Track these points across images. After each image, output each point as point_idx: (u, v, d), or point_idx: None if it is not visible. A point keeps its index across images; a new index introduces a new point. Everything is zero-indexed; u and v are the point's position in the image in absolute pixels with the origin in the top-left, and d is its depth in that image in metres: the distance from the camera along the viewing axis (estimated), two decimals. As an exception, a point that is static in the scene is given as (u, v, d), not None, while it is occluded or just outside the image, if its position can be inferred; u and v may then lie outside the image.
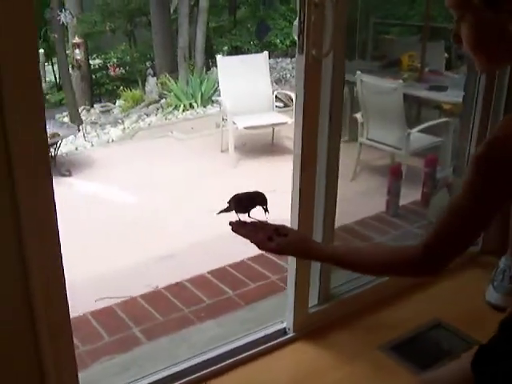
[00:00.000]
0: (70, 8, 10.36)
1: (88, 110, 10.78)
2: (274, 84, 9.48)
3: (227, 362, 2.54)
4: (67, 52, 10.73)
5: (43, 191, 1.77)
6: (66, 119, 9.94)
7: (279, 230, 1.59)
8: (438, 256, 1.38)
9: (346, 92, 6.55)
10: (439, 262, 1.39)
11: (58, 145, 7.08)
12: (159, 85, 10.73)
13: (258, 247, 1.58)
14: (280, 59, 12.73)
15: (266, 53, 7.68)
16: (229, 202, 1.69)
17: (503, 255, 3.00)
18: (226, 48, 12.97)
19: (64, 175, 6.78)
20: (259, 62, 7.54)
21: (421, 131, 5.41)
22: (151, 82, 10.88)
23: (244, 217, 1.65)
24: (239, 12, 13.83)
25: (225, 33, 13.13)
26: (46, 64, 12.18)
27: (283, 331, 2.73)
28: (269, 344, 2.66)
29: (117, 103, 10.96)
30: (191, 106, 10.01)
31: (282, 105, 8.60)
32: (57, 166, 6.87)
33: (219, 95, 7.75)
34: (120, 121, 9.87)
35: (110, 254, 4.57)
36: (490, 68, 1.39)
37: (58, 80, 12.11)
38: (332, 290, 2.85)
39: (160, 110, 10.18)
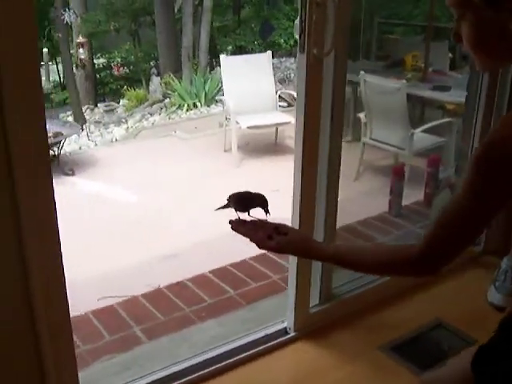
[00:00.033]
0: (74, 7, 10.37)
1: (92, 110, 10.79)
2: (278, 84, 9.47)
3: (228, 361, 2.54)
4: (71, 51, 10.75)
5: (43, 191, 1.77)
6: (70, 118, 9.95)
7: (279, 229, 1.58)
8: (437, 255, 1.37)
9: (350, 92, 6.57)
10: (439, 261, 1.38)
11: (62, 144, 7.08)
12: (163, 84, 10.74)
13: (258, 246, 1.57)
14: (284, 59, 12.71)
15: (269, 52, 7.68)
16: (228, 200, 1.69)
17: (505, 255, 2.98)
18: (230, 48, 12.97)
19: (67, 174, 6.78)
20: (263, 61, 7.53)
21: (424, 131, 5.40)
22: (155, 81, 10.89)
23: (244, 215, 1.64)
24: (243, 12, 13.83)
25: (229, 32, 13.13)
26: (50, 63, 12.20)
27: (284, 331, 2.73)
28: (269, 344, 2.66)
29: (121, 102, 10.98)
30: (195, 105, 10.02)
31: (285, 104, 8.60)
32: (60, 165, 6.88)
33: (223, 95, 7.74)
34: (124, 120, 9.88)
35: (113, 253, 4.57)
36: (490, 67, 1.38)
37: (62, 79, 12.13)
38: (333, 289, 2.84)
39: (164, 110, 10.19)
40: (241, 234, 1.58)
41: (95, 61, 12.42)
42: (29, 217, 1.75)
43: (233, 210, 1.66)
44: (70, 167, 6.92)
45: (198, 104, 10.01)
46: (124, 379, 2.43)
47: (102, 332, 2.86)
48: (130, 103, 10.70)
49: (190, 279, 3.30)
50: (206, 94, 10.08)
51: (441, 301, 2.99)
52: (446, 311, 2.89)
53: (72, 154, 7.75)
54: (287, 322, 2.72)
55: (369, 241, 3.75)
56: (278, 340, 2.68)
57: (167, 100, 10.44)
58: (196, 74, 10.55)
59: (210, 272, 3.38)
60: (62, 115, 10.34)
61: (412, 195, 4.56)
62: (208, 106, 10.00)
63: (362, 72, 5.50)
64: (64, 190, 6.31)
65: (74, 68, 10.79)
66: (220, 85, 9.26)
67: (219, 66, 8.47)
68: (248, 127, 6.93)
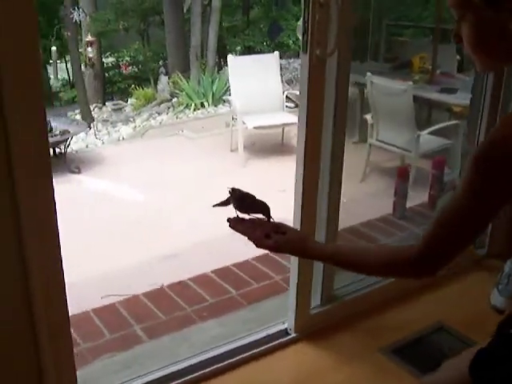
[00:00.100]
0: (84, 6, 10.41)
1: (100, 108, 10.83)
2: (286, 84, 9.47)
3: (228, 361, 2.54)
4: (80, 50, 10.78)
5: (43, 191, 1.77)
6: (78, 117, 9.98)
7: (277, 228, 1.58)
8: (436, 256, 1.37)
9: (357, 93, 6.56)
10: (438, 261, 1.38)
11: (68, 142, 7.11)
12: (171, 84, 10.75)
13: (255, 244, 1.56)
14: (292, 60, 12.68)
15: (276, 53, 7.68)
16: (230, 192, 1.66)
17: (509, 259, 2.97)
18: (238, 48, 12.97)
19: (73, 172, 6.80)
20: (270, 61, 7.53)
21: (431, 133, 5.38)
22: (163, 80, 10.90)
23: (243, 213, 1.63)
24: (252, 12, 13.84)
25: (238, 33, 13.14)
26: (59, 62, 12.23)
27: (285, 332, 2.72)
28: (270, 344, 2.65)
29: (129, 101, 11.00)
30: (202, 105, 10.03)
31: (292, 105, 8.58)
32: (66, 162, 6.90)
33: (230, 95, 7.75)
34: (131, 119, 9.90)
35: (119, 252, 4.57)
36: (490, 68, 1.37)
37: (71, 78, 12.16)
38: (334, 291, 2.84)
39: (171, 109, 10.20)
40: (239, 232, 1.57)
41: (104, 60, 12.46)
42: (29, 217, 1.75)
43: (232, 208, 1.64)
44: (76, 165, 6.94)
45: (206, 104, 10.02)
46: (124, 378, 2.43)
47: (102, 330, 2.85)
48: (138, 102, 10.72)
49: (191, 279, 3.30)
50: (213, 93, 10.09)
51: (443, 304, 2.97)
52: (449, 314, 2.88)
53: (79, 152, 7.77)
54: (288, 322, 2.72)
55: (371, 242, 3.74)
56: (279, 341, 2.67)
57: (175, 99, 10.46)
58: (204, 74, 10.56)
59: (212, 272, 3.37)
60: (70, 113, 10.38)
61: (418, 197, 4.55)
62: (215, 106, 10.00)
63: (368, 73, 5.49)
64: (70, 187, 6.34)
65: (82, 67, 10.83)
66: (228, 85, 9.27)
67: (227, 65, 8.48)
68: (254, 127, 6.93)
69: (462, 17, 1.30)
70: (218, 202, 1.68)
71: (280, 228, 1.58)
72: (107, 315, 2.99)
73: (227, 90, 9.61)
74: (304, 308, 2.69)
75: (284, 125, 7.15)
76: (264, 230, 1.57)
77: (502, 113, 2.92)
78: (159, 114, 10.05)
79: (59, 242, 1.85)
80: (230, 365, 2.53)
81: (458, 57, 6.96)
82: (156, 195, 6.03)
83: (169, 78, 10.89)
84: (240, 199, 1.63)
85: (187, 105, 10.07)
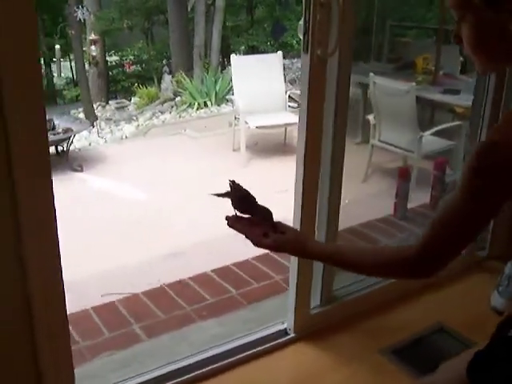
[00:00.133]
0: (88, 5, 10.41)
1: (103, 107, 10.83)
2: (289, 84, 9.47)
3: (227, 361, 2.54)
4: (84, 48, 10.79)
5: (43, 191, 1.76)
6: (82, 115, 9.99)
7: (276, 227, 1.57)
8: (433, 257, 1.36)
9: (360, 94, 6.56)
10: (436, 263, 1.37)
11: (71, 140, 7.11)
12: (174, 83, 10.75)
13: (253, 243, 1.56)
14: (295, 60, 12.69)
15: (279, 53, 7.68)
16: (230, 186, 1.64)
17: (510, 261, 2.97)
18: (242, 48, 12.97)
19: (76, 170, 6.81)
20: (273, 61, 7.53)
21: (433, 134, 5.37)
22: (167, 79, 10.91)
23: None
24: (256, 12, 13.85)
25: (242, 32, 13.15)
26: (62, 60, 12.24)
27: (284, 332, 2.71)
28: (269, 344, 2.65)
29: (132, 100, 11.00)
30: (205, 104, 10.03)
31: (295, 105, 8.55)
32: (69, 160, 6.92)
33: (233, 94, 7.75)
34: (134, 118, 9.91)
35: (120, 251, 4.58)
36: (490, 69, 1.37)
37: (74, 76, 12.17)
38: (334, 291, 2.83)
39: (174, 108, 10.20)
40: (237, 230, 1.56)
41: (108, 58, 12.48)
42: (28, 216, 1.75)
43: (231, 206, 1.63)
44: (78, 163, 6.95)
45: (209, 103, 10.02)
46: (122, 376, 2.43)
47: (101, 329, 2.85)
48: (142, 101, 10.73)
49: (191, 278, 3.29)
50: (216, 93, 10.09)
51: (444, 305, 2.97)
52: (449, 315, 2.87)
53: (81, 150, 7.78)
54: (287, 322, 2.71)
55: (371, 243, 3.73)
56: (278, 341, 2.67)
57: (178, 98, 10.46)
58: (207, 73, 10.56)
59: (212, 271, 3.37)
60: (73, 111, 10.39)
61: (420, 198, 4.55)
62: (218, 106, 10.00)
63: (371, 74, 5.48)
64: (72, 186, 6.35)
65: (86, 65, 10.83)
66: (231, 84, 9.27)
67: (231, 65, 8.48)
68: (257, 127, 6.93)
69: (462, 17, 1.30)
70: (217, 193, 1.65)
71: (279, 227, 1.58)
72: (106, 313, 2.99)
73: (230, 90, 9.61)
74: (303, 308, 2.69)
75: (286, 125, 7.15)
76: (262, 228, 1.56)
77: (504, 112, 2.91)
78: (162, 112, 10.05)
79: (58, 242, 1.85)
80: (229, 364, 2.53)
81: (461, 58, 6.95)
82: (158, 194, 6.04)
83: (172, 77, 10.89)
84: (240, 199, 1.62)
85: (190, 104, 10.07)
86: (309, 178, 2.44)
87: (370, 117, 5.64)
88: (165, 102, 10.48)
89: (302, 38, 2.22)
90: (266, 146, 7.32)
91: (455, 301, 2.98)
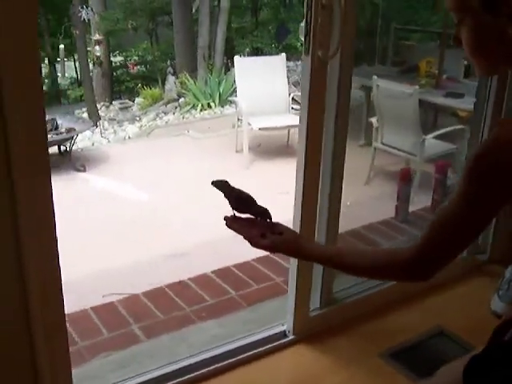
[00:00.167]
0: (93, 5, 10.45)
1: (107, 107, 10.85)
2: (292, 86, 9.46)
3: (226, 362, 2.53)
4: (89, 49, 10.81)
5: (42, 191, 1.76)
6: (85, 115, 10.00)
7: (274, 228, 1.57)
8: (431, 260, 1.36)
9: (363, 96, 6.56)
10: (432, 265, 1.37)
11: (74, 139, 7.12)
12: (178, 84, 10.76)
13: (251, 243, 1.56)
14: (299, 62, 12.68)
15: (283, 54, 7.69)
16: (226, 189, 1.65)
17: (510, 264, 2.96)
18: (247, 49, 12.98)
19: (78, 170, 6.82)
20: (277, 63, 7.54)
21: (436, 138, 5.37)
22: (171, 80, 10.92)
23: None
24: (261, 14, 13.86)
25: (246, 34, 13.16)
26: (66, 60, 12.25)
27: (283, 334, 2.71)
28: (268, 346, 2.64)
29: (136, 101, 11.02)
30: (209, 105, 10.04)
31: (298, 107, 8.53)
32: (72, 160, 6.93)
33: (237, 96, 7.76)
34: (138, 118, 9.92)
35: (120, 251, 4.59)
36: (489, 72, 1.37)
37: (79, 76, 12.20)
38: (334, 294, 2.82)
39: (178, 109, 10.21)
40: (234, 230, 1.57)
41: (112, 59, 12.50)
42: (26, 216, 1.74)
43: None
44: (81, 163, 6.96)
45: (212, 104, 10.03)
46: (121, 377, 2.42)
47: (100, 329, 2.85)
48: (145, 101, 10.75)
49: (191, 279, 3.29)
50: (220, 94, 10.10)
51: (444, 308, 2.96)
52: (449, 319, 2.86)
53: (84, 150, 7.79)
54: (287, 324, 2.70)
55: (372, 246, 3.72)
56: (277, 343, 2.66)
57: (182, 99, 10.47)
58: (211, 75, 10.56)
59: (212, 272, 3.36)
60: (77, 111, 10.42)
61: (423, 201, 4.55)
62: (222, 107, 10.01)
63: (374, 76, 5.48)
64: (74, 185, 6.36)
65: (90, 65, 10.85)
66: (235, 86, 9.28)
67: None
68: (260, 128, 6.93)
69: (461, 20, 1.31)
70: (218, 182, 1.64)
71: (277, 228, 1.58)
72: (106, 314, 2.98)
73: (234, 91, 9.61)
74: (303, 310, 2.68)
75: (289, 127, 7.14)
76: (260, 229, 1.57)
77: (506, 117, 2.90)
78: (166, 113, 10.06)
79: (57, 242, 1.84)
80: (228, 365, 2.52)
81: (465, 62, 6.95)
82: (160, 195, 6.05)
83: (176, 78, 10.89)
84: (238, 199, 1.62)
85: (194, 105, 10.08)
86: (309, 181, 2.44)
87: (373, 119, 5.65)
88: (168, 102, 10.49)
89: (303, 39, 2.22)
90: (269, 148, 7.32)
91: (455, 304, 2.97)
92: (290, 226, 2.41)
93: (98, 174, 6.89)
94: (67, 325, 2.69)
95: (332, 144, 2.47)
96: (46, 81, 13.13)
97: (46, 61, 12.81)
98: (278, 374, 2.59)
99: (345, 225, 3.65)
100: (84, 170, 6.86)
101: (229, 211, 1.62)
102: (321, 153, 2.44)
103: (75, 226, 5.09)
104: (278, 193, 4.87)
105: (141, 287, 3.28)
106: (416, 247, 1.35)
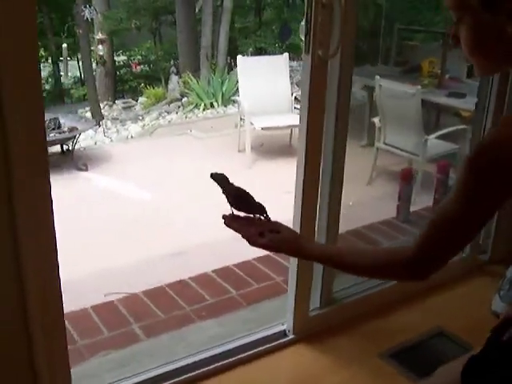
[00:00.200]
0: (96, 5, 10.46)
1: (110, 106, 10.86)
2: (295, 86, 9.45)
3: (225, 361, 2.53)
4: (92, 48, 10.82)
5: (41, 191, 1.76)
6: (89, 114, 10.01)
7: (272, 227, 1.57)
8: (429, 258, 1.36)
9: (366, 96, 6.55)
10: (431, 264, 1.36)
11: (76, 139, 7.12)
12: (181, 83, 10.76)
13: (249, 242, 1.55)
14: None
15: (286, 54, 7.68)
16: (226, 186, 1.63)
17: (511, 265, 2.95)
18: (250, 49, 12.98)
19: (81, 169, 6.82)
20: (279, 63, 7.54)
21: (438, 138, 5.36)
22: (174, 80, 10.92)
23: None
24: (265, 14, 13.85)
25: (250, 34, 13.16)
26: (69, 59, 12.26)
27: (283, 333, 2.71)
28: (268, 345, 2.64)
29: (139, 100, 11.02)
30: (212, 105, 10.03)
31: (301, 107, 8.56)
32: (74, 159, 6.93)
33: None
34: (141, 117, 9.92)
35: (122, 250, 4.59)
36: (488, 71, 1.36)
37: (82, 75, 12.21)
38: (334, 293, 2.82)
39: (181, 108, 10.21)
40: (233, 229, 1.56)
41: (116, 58, 12.50)
42: (25, 216, 1.74)
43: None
44: (83, 162, 6.96)
45: (215, 104, 10.03)
46: (120, 376, 2.42)
47: (100, 328, 2.85)
48: (149, 101, 10.75)
49: (192, 278, 3.29)
50: (223, 94, 10.09)
51: (444, 309, 2.96)
52: (449, 319, 2.86)
53: (87, 150, 7.80)
54: (286, 324, 2.70)
55: (372, 245, 3.72)
56: (277, 342, 2.66)
57: (185, 99, 10.47)
58: (214, 74, 10.56)
59: (212, 271, 3.36)
60: (80, 110, 10.43)
61: (425, 201, 4.54)
62: (225, 106, 10.01)
63: (377, 76, 5.47)
64: (76, 185, 6.37)
65: (94, 64, 10.86)
66: (237, 85, 9.27)
67: (237, 66, 8.49)
68: (262, 128, 6.93)
69: (460, 19, 1.30)
70: (217, 175, 1.64)
71: (275, 227, 1.58)
72: (106, 313, 2.98)
73: (237, 91, 9.60)
74: (303, 310, 2.68)
75: (292, 126, 7.12)
76: (258, 228, 1.56)
77: (508, 114, 2.89)
78: (169, 113, 10.06)
79: (56, 242, 1.84)
80: (227, 365, 2.53)
81: (467, 62, 6.94)
82: (162, 194, 6.05)
83: (180, 78, 10.90)
84: (237, 197, 1.62)
85: (197, 104, 10.08)
86: (309, 180, 2.43)
87: (376, 119, 5.64)
88: (171, 102, 10.49)
89: (303, 38, 2.22)
90: (272, 148, 7.32)
91: (456, 304, 2.97)
92: (290, 225, 2.41)
93: (101, 173, 6.89)
94: (67, 324, 2.70)
95: (332, 143, 2.47)
96: (50, 80, 13.16)
97: (50, 60, 12.83)
98: (278, 373, 2.59)
99: (347, 225, 3.65)
100: (86, 169, 6.86)
101: (230, 210, 1.62)
102: (321, 152, 2.44)
103: (77, 225, 5.09)
104: (282, 192, 4.87)
105: (143, 286, 3.28)
106: (415, 245, 1.35)
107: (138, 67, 12.90)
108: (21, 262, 1.78)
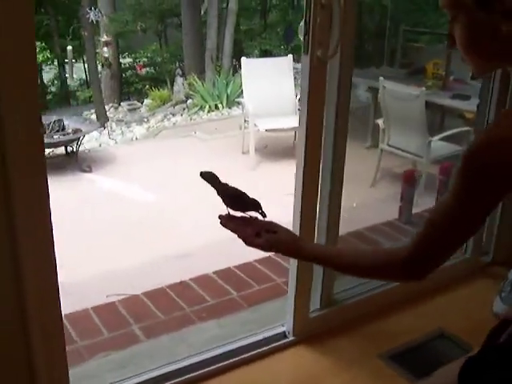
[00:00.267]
0: (102, 7, 10.48)
1: (116, 108, 10.88)
2: (300, 88, 9.46)
3: (225, 362, 2.52)
4: (98, 50, 10.84)
5: (38, 191, 1.76)
6: (94, 116, 10.03)
7: (269, 227, 1.57)
8: (425, 258, 1.35)
9: (370, 98, 6.55)
10: (427, 264, 1.36)
11: (80, 140, 7.14)
12: (186, 85, 10.77)
13: (245, 242, 1.55)
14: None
15: (290, 56, 7.68)
16: (217, 184, 1.63)
17: (513, 266, 2.95)
18: (256, 51, 12.99)
19: (84, 171, 6.83)
20: (283, 65, 7.54)
21: (442, 139, 5.35)
22: (179, 82, 10.95)
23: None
24: (270, 16, 13.86)
25: (255, 36, 13.17)
26: (74, 61, 12.29)
27: (283, 334, 2.70)
28: (268, 347, 2.63)
29: (144, 102, 11.04)
30: (216, 107, 10.04)
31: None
32: (78, 161, 6.94)
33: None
34: (145, 119, 9.93)
35: (124, 252, 4.59)
36: (483, 69, 1.35)
37: (88, 77, 12.24)
38: (334, 295, 2.81)
39: (186, 110, 10.22)
40: (229, 229, 1.56)
41: (122, 60, 12.53)
42: (23, 216, 1.74)
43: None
44: (87, 164, 6.97)
45: (220, 106, 10.03)
46: (120, 376, 2.42)
47: (101, 329, 2.84)
48: (154, 103, 10.77)
49: (192, 279, 3.28)
50: (227, 96, 10.10)
51: (445, 310, 2.94)
52: (450, 321, 2.85)
53: (91, 151, 7.81)
54: (286, 325, 2.69)
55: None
56: (276, 344, 2.65)
57: (190, 101, 10.48)
58: (219, 76, 10.57)
59: (213, 273, 3.35)
60: (86, 113, 10.47)
61: (428, 203, 4.52)
62: (229, 108, 10.01)
63: (381, 78, 5.47)
64: (80, 186, 6.38)
65: (99, 66, 10.88)
66: (242, 87, 9.28)
67: (241, 68, 8.49)
68: (266, 130, 6.93)
69: (454, 18, 1.29)
70: (206, 174, 1.64)
71: (271, 227, 1.57)
72: (106, 314, 2.98)
73: (242, 93, 9.60)
74: (303, 311, 2.67)
75: (296, 128, 7.06)
76: (255, 228, 1.56)
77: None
78: (174, 115, 10.08)
79: (53, 242, 1.84)
80: (227, 366, 2.52)
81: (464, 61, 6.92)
82: (166, 196, 6.05)
83: (185, 80, 10.91)
84: (231, 197, 1.62)
85: (201, 106, 10.09)
86: (309, 182, 2.42)
87: (380, 121, 5.63)
88: (177, 104, 10.51)
89: (302, 39, 2.21)
90: (276, 150, 7.31)
91: (457, 306, 2.96)
92: (291, 226, 2.41)
93: (105, 174, 6.89)
94: (67, 324, 2.71)
95: (332, 145, 2.46)
96: (56, 82, 13.21)
97: (56, 62, 12.87)
98: (278, 374, 2.58)
99: (350, 226, 3.64)
100: (90, 171, 6.87)
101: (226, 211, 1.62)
102: (320, 155, 2.43)
103: (81, 227, 5.11)
104: (285, 194, 4.87)
105: (147, 289, 3.27)
106: (412, 245, 1.34)
107: (143, 69, 12.92)
108: (19, 262, 1.78)
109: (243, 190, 1.63)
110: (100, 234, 5.00)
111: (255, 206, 1.60)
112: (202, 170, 1.63)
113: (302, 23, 2.21)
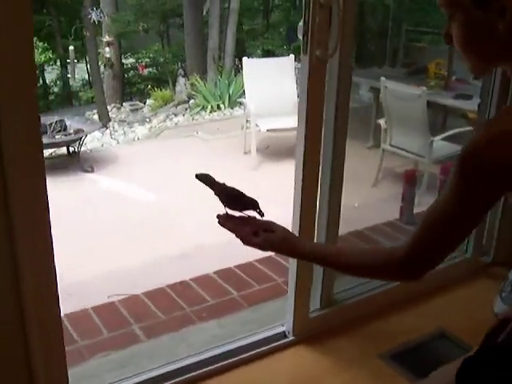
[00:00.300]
0: (104, 7, 10.48)
1: (118, 108, 10.88)
2: (302, 88, 9.46)
3: (225, 362, 2.53)
4: (100, 50, 10.85)
5: (36, 191, 1.76)
6: (96, 117, 10.04)
7: (267, 226, 1.57)
8: (421, 259, 1.35)
9: (372, 98, 6.54)
10: (422, 265, 1.36)
11: (82, 141, 7.14)
12: (189, 85, 10.77)
13: (243, 242, 1.55)
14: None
15: (292, 56, 7.67)
16: (215, 188, 1.64)
17: (514, 267, 2.95)
18: (258, 51, 12.99)
19: (86, 171, 6.84)
20: (285, 65, 7.53)
21: (444, 139, 5.34)
22: (181, 82, 10.94)
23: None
24: (272, 16, 13.86)
25: (257, 36, 13.16)
26: (77, 62, 12.29)
27: (283, 334, 2.70)
28: (267, 347, 2.63)
29: (147, 102, 11.04)
30: (218, 107, 10.03)
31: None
32: (80, 161, 6.94)
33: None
34: (148, 119, 9.93)
35: (125, 251, 4.59)
36: (480, 68, 1.35)
37: (90, 78, 12.25)
38: (335, 294, 2.81)
39: (188, 111, 10.22)
40: (227, 228, 1.57)
41: (124, 60, 12.53)
42: (21, 216, 1.75)
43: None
44: (89, 164, 6.97)
45: (222, 106, 10.03)
46: (120, 376, 2.42)
47: (101, 328, 2.84)
48: (156, 103, 10.76)
49: (193, 279, 3.28)
50: (229, 96, 10.09)
51: (446, 310, 2.94)
52: (451, 321, 2.84)
53: (93, 151, 7.81)
54: (286, 325, 2.69)
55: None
56: (276, 343, 2.65)
57: (192, 101, 10.47)
58: (221, 76, 10.57)
59: (214, 273, 3.35)
60: (88, 113, 10.47)
61: (429, 203, 4.50)
62: (231, 108, 10.01)
63: (382, 78, 5.46)
64: (82, 186, 6.38)
65: (102, 67, 10.88)
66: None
67: (243, 68, 8.49)
68: (268, 130, 6.93)
69: (451, 16, 1.29)
70: (202, 175, 1.65)
71: (269, 226, 1.57)
72: (107, 314, 2.98)
73: (244, 93, 9.61)
74: (303, 311, 2.67)
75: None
76: (253, 227, 1.56)
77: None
78: (176, 115, 10.07)
79: (52, 242, 1.84)
80: (227, 365, 2.52)
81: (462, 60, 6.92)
82: (168, 196, 6.05)
83: (187, 80, 10.91)
84: (229, 197, 1.62)
85: (203, 107, 10.08)
86: (308, 183, 2.42)
87: (381, 121, 5.62)
88: (179, 104, 10.50)
89: (301, 39, 2.21)
90: (277, 150, 7.30)
91: (458, 306, 2.95)
92: (290, 227, 2.41)
93: (107, 174, 6.89)
94: (67, 324, 2.72)
95: (331, 146, 2.45)
96: (58, 82, 13.21)
97: (58, 63, 12.88)
98: (278, 374, 2.58)
99: (351, 226, 3.64)
100: (92, 171, 6.88)
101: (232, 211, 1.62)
102: (320, 155, 2.42)
103: (83, 227, 5.11)
104: (285, 194, 4.86)
105: (148, 289, 3.27)
106: (407, 245, 1.34)
107: (145, 70, 12.92)
108: (17, 262, 1.79)
109: (245, 190, 1.63)
110: (102, 234, 5.00)
111: (253, 205, 1.60)
112: (197, 173, 1.63)
113: (301, 23, 2.21)
